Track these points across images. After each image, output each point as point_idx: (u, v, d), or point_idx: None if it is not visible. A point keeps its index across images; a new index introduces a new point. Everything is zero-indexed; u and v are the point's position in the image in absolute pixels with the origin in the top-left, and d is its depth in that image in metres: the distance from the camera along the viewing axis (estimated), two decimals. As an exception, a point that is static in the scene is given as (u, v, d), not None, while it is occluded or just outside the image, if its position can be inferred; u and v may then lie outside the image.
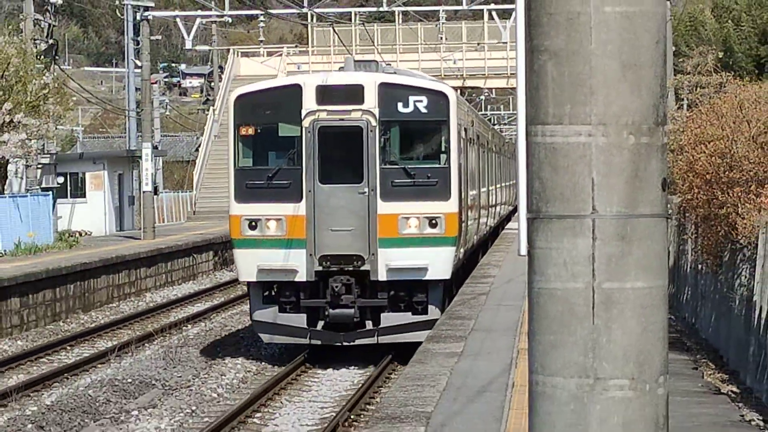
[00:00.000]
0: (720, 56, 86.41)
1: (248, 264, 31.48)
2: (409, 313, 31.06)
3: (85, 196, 71.17)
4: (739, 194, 23.53)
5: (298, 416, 28.14)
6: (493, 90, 74.36)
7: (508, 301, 32.37)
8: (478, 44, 71.48)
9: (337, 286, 30.27)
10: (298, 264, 30.79)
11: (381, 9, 70.18)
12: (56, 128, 67.62)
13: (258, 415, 28.12)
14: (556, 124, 7.18)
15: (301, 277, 30.94)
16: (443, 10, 73.99)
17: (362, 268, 30.85)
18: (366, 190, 30.72)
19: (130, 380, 31.95)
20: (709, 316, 28.47)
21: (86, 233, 64.92)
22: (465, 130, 36.43)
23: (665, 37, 7.72)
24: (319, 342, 31.55)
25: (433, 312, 30.85)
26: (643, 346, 7.22)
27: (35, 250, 51.33)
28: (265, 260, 30.97)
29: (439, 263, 31.00)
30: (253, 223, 31.30)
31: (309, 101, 31.18)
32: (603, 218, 7.13)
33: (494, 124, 68.37)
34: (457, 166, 32.01)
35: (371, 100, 30.88)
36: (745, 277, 22.65)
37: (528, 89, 7.39)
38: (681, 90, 56.23)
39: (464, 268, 40.85)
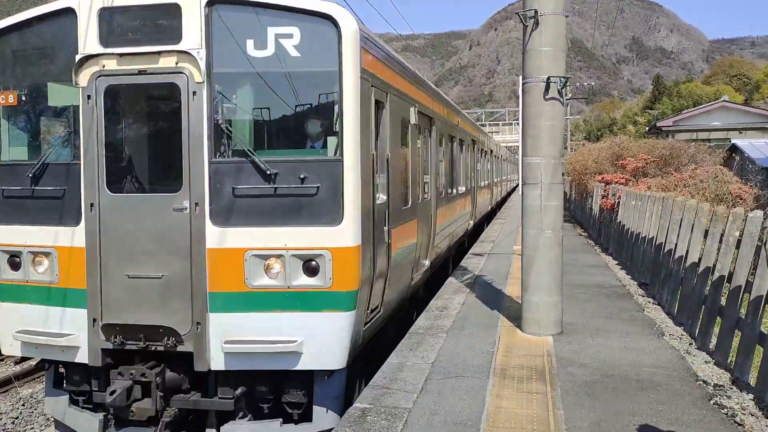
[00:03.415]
0: (585, 135, 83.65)
1: (10, 328, 4.03)
2: (278, 422, 3.91)
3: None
4: (588, 178, 23.31)
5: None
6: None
7: (518, 210, 27.63)
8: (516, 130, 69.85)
9: (123, 385, 3.52)
10: (78, 334, 3.78)
11: (492, 111, 68.67)
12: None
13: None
14: (530, 156, 7.05)
15: (82, 356, 3.83)
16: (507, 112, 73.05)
17: (180, 349, 3.70)
18: (185, 203, 3.48)
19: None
20: (579, 213, 27.85)
21: None
22: (422, 114, 6.80)
23: (565, 129, 7.58)
24: None
25: (322, 418, 3.87)
26: (555, 221, 7.06)
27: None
28: (29, 324, 3.89)
29: (324, 340, 3.52)
30: (16, 259, 3.89)
31: (88, 40, 3.41)
32: (544, 184, 6.98)
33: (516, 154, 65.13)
34: (358, 158, 3.50)
35: (194, 34, 3.30)
36: (590, 201, 22.45)
37: (523, 145, 7.16)
38: (570, 146, 54.95)
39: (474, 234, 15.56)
